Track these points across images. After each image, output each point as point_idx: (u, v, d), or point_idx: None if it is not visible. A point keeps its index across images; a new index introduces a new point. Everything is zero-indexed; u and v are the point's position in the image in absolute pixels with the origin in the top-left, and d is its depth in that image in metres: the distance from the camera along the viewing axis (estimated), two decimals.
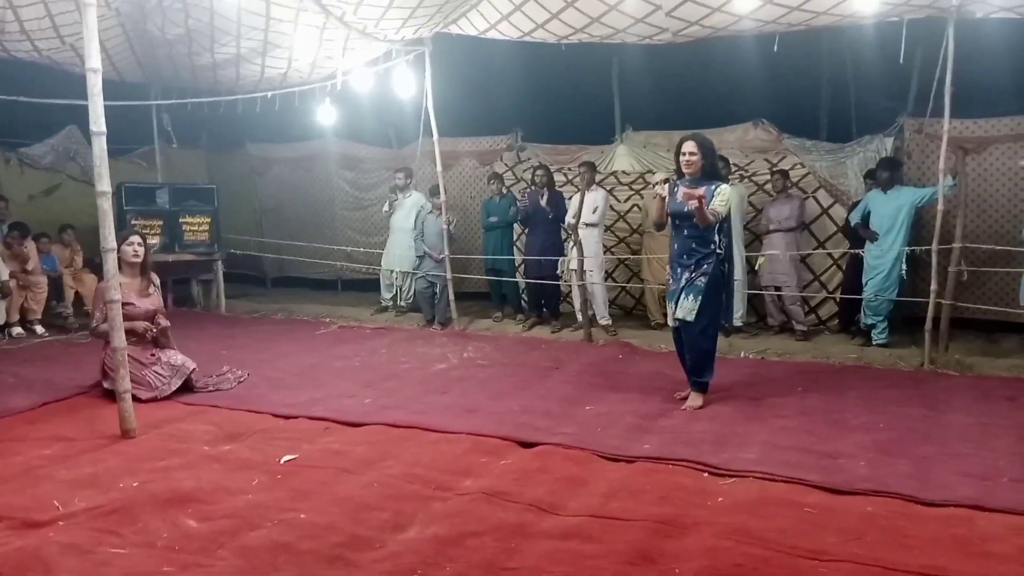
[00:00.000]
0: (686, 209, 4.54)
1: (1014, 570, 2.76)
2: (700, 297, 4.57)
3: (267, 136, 10.52)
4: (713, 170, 4.64)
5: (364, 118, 9.03)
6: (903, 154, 7.09)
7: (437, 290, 8.03)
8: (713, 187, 4.54)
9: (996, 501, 3.28)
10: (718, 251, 4.59)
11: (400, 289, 8.74)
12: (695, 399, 4.76)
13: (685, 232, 4.64)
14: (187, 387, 5.20)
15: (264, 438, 4.24)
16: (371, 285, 9.64)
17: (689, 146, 4.58)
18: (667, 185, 4.71)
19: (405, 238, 8.51)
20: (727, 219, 4.65)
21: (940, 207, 5.83)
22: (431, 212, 8.10)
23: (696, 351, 4.71)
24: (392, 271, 8.68)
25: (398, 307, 8.78)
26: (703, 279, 4.57)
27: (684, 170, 4.61)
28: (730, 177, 7.26)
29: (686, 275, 4.63)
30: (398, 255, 8.57)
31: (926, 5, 5.45)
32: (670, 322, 4.82)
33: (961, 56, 5.54)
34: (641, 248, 7.73)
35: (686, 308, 4.63)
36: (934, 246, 5.83)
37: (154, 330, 5.26)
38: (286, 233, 10.37)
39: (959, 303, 6.11)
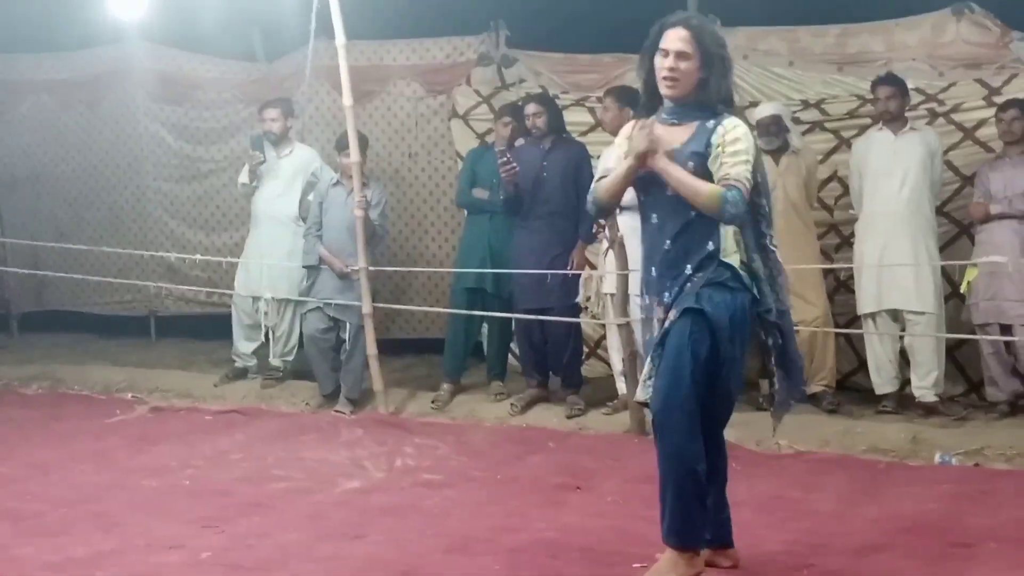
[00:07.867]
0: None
1: None
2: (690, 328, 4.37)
3: (10, 42, 10.43)
4: (718, 91, 4.46)
5: (202, 10, 8.94)
6: None
7: (346, 336, 8.00)
8: (712, 124, 4.40)
9: None
10: (743, 257, 4.48)
11: (272, 334, 8.71)
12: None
13: (658, 220, 4.53)
14: None
15: None
16: (216, 328, 9.59)
17: (676, 36, 4.41)
18: (641, 132, 4.60)
19: (282, 236, 8.53)
20: (761, 193, 4.52)
21: None
22: (334, 184, 8.12)
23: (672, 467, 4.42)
24: (257, 300, 8.66)
25: (269, 370, 8.77)
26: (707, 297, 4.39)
27: (665, 92, 4.52)
28: (911, 120, 7.37)
29: (667, 298, 4.50)
30: (269, 270, 8.56)
31: None
32: (640, 395, 4.63)
33: None
34: None
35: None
36: None
37: None
38: (48, 228, 10.33)
39: None
